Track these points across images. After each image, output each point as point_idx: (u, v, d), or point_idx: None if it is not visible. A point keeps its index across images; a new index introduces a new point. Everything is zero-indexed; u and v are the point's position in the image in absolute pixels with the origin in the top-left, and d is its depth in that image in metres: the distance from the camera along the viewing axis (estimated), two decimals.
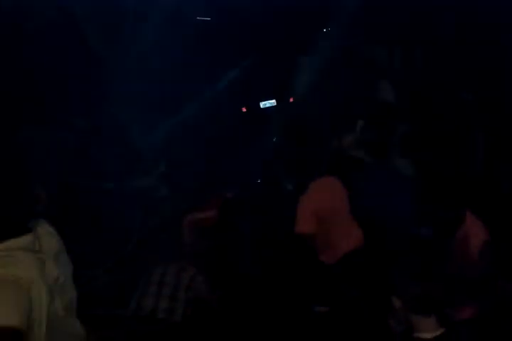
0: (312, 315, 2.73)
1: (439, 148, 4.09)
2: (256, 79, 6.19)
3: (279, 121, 5.87)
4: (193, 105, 5.70)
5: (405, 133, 4.27)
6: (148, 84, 5.41)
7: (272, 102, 6.16)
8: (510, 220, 3.21)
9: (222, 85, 6.01)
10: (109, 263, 3.68)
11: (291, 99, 6.26)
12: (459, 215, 2.13)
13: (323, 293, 2.75)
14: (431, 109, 4.75)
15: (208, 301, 2.82)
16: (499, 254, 2.21)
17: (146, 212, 4.20)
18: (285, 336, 2.68)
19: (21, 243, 1.33)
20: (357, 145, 4.11)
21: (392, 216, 2.67)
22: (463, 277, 1.88)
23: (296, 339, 2.67)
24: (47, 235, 1.43)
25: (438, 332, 1.33)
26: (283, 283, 2.99)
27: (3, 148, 1.63)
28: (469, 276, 1.93)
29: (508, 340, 2.17)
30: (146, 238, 3.88)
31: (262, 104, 6.15)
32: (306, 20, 5.92)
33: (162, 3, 5.56)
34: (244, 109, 6.11)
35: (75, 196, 4.30)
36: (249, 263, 3.32)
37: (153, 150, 5.07)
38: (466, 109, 4.14)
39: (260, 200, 3.91)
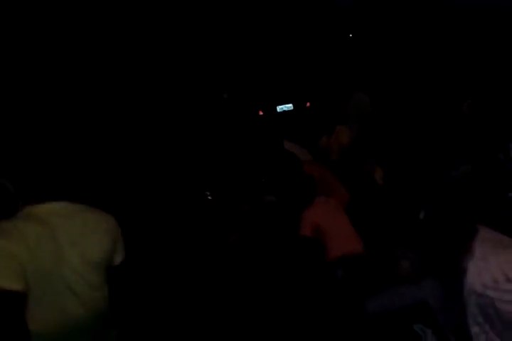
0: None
1: None
2: (273, 83, 6.24)
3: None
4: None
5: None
6: None
7: (289, 106, 6.19)
8: None
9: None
10: None
11: (308, 104, 6.29)
12: None
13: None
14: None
15: None
16: None
17: None
18: None
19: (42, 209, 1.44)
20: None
21: None
22: None
23: None
24: (72, 213, 1.51)
25: None
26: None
27: None
28: None
29: None
30: None
31: (279, 108, 6.18)
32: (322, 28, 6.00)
33: None
34: (260, 112, 6.15)
35: None
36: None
37: None
38: None
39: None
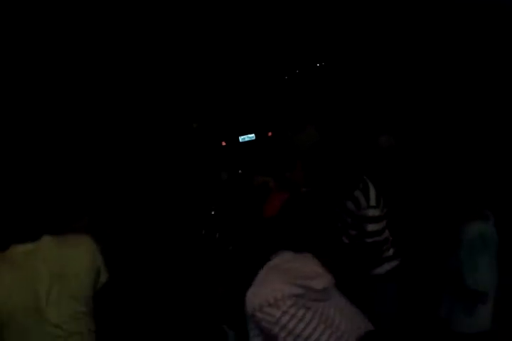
0: None
1: None
2: (236, 113, 6.36)
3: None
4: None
5: None
6: None
7: (251, 136, 6.30)
8: None
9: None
10: None
11: (270, 134, 6.41)
12: None
13: None
14: None
15: None
16: None
17: None
18: None
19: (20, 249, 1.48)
20: None
21: None
22: None
23: None
24: (54, 249, 1.53)
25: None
26: None
27: None
28: None
29: None
30: None
31: (241, 138, 6.28)
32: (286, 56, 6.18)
33: None
34: (223, 143, 6.23)
35: None
36: None
37: None
38: None
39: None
